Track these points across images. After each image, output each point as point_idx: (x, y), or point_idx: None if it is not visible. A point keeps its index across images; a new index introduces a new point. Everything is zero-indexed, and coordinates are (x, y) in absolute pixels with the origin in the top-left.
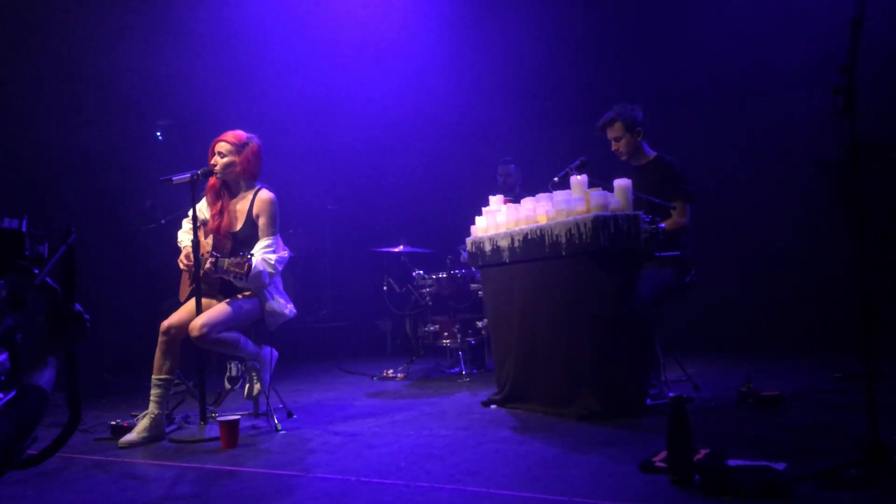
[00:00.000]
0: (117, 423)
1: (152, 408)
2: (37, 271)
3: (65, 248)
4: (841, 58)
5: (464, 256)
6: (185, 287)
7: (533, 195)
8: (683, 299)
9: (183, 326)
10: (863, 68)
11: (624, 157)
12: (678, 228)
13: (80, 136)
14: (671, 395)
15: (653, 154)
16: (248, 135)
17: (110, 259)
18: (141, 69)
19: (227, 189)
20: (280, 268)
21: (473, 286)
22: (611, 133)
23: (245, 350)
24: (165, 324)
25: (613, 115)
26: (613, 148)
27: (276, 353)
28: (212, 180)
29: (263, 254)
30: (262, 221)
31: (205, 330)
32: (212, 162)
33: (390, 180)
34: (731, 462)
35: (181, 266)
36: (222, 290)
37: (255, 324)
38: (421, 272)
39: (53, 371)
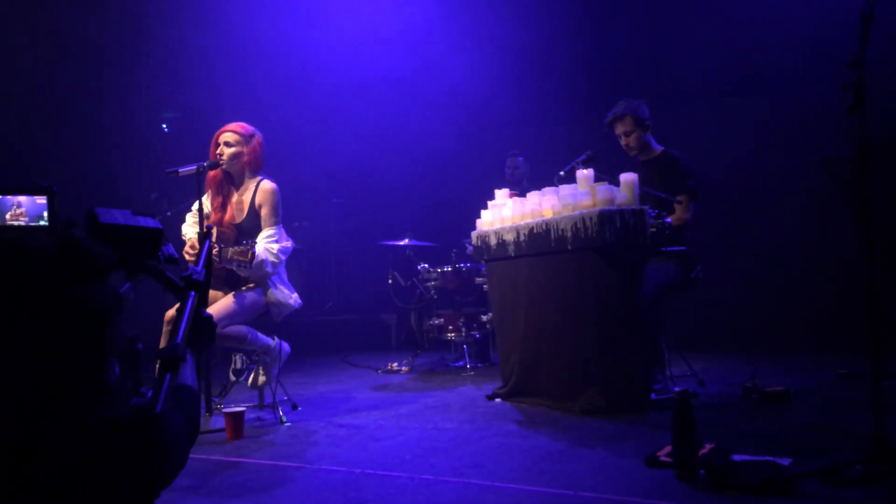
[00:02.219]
0: None
1: None
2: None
3: (208, 245)
4: (849, 54)
5: (469, 250)
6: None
7: (538, 188)
8: (688, 294)
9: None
10: (871, 64)
11: (633, 152)
12: (680, 224)
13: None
14: (676, 390)
15: (660, 149)
16: (253, 127)
17: None
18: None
19: (230, 181)
20: (283, 258)
21: (478, 280)
22: (620, 128)
23: (255, 343)
24: (170, 314)
25: (622, 110)
26: (623, 143)
27: (287, 348)
28: (213, 173)
29: (266, 243)
30: (264, 211)
31: None
32: (217, 152)
33: (396, 174)
34: (736, 457)
35: (186, 258)
36: (227, 282)
37: (261, 316)
38: (426, 266)
39: (193, 367)
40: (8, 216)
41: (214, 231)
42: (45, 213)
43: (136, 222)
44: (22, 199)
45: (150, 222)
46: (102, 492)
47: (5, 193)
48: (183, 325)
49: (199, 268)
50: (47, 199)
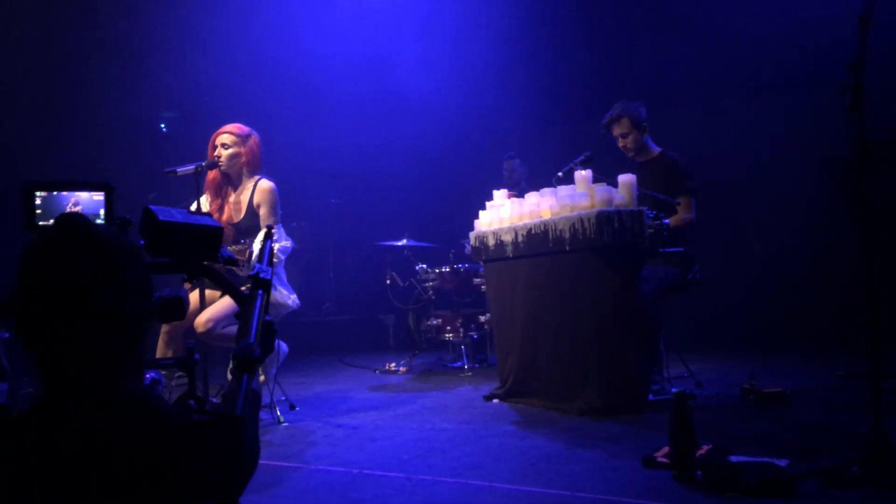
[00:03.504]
0: None
1: None
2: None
3: (270, 245)
4: (849, 54)
5: (467, 249)
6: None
7: (536, 189)
8: (686, 295)
9: (186, 316)
10: (871, 65)
11: (631, 154)
12: (684, 224)
13: (84, 127)
14: (674, 391)
15: (657, 150)
16: (249, 128)
17: None
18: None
19: (228, 182)
20: (282, 257)
21: (476, 281)
22: (617, 129)
23: None
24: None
25: (619, 112)
26: (620, 144)
27: (285, 348)
28: (212, 174)
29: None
30: (262, 211)
31: (210, 325)
32: (215, 154)
33: (394, 174)
34: (734, 458)
35: None
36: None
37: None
38: (424, 266)
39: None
40: None
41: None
42: (102, 211)
43: (194, 221)
44: (82, 195)
45: (208, 221)
46: (186, 493)
47: (63, 189)
48: (254, 324)
49: (265, 266)
50: (105, 196)
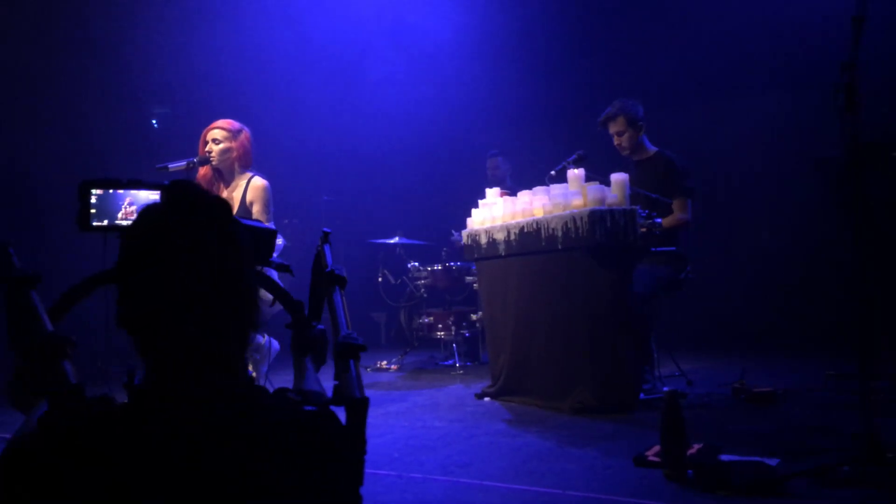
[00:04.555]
0: None
1: None
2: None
3: (328, 248)
4: (843, 55)
5: (455, 237)
6: None
7: (523, 187)
8: (678, 294)
9: None
10: (864, 66)
11: (626, 152)
12: (679, 224)
13: (75, 123)
14: (665, 389)
15: (654, 149)
16: (240, 123)
17: (105, 247)
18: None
19: (220, 178)
20: (274, 255)
21: (469, 279)
22: (613, 128)
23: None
24: None
25: (616, 110)
26: (616, 143)
27: (276, 345)
28: (203, 170)
29: None
30: (255, 208)
31: None
32: (206, 150)
33: (386, 172)
34: (725, 457)
35: None
36: None
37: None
38: (416, 264)
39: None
40: (120, 214)
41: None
42: None
43: (250, 221)
44: (138, 194)
45: (260, 223)
46: (308, 486)
47: (119, 188)
48: (342, 317)
49: (332, 264)
50: (161, 196)
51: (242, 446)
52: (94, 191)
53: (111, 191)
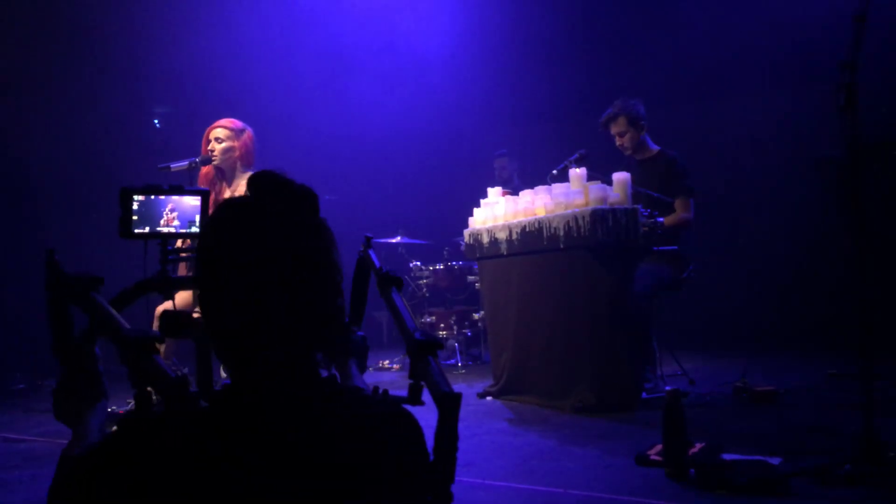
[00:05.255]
0: (112, 409)
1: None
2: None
3: (373, 253)
4: (843, 54)
5: (461, 245)
6: (181, 274)
7: (530, 186)
8: (680, 294)
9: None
10: (864, 65)
11: (628, 152)
12: (682, 223)
13: (77, 123)
14: (667, 389)
15: (656, 148)
16: (243, 123)
17: (105, 246)
18: (140, 56)
19: (222, 177)
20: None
21: (471, 278)
22: (614, 128)
23: None
24: (161, 308)
25: (617, 111)
26: (618, 143)
27: None
28: (205, 169)
29: None
30: None
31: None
32: (209, 148)
33: (388, 171)
34: (727, 456)
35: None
36: None
37: None
38: (418, 263)
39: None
40: (162, 221)
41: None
42: (197, 217)
43: None
44: (179, 200)
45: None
46: (405, 483)
47: (160, 194)
48: (407, 316)
49: (382, 266)
50: (201, 201)
51: (333, 445)
52: (135, 197)
53: (153, 196)
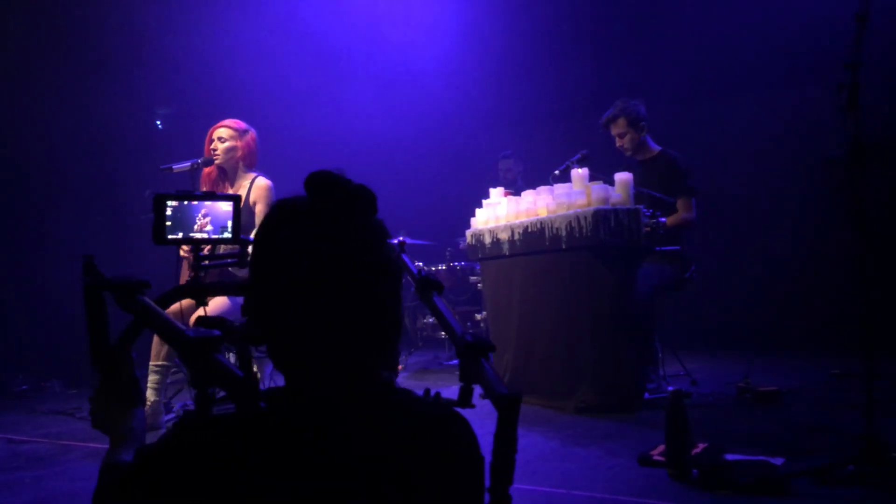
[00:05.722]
0: None
1: (149, 395)
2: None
3: (406, 257)
4: (846, 53)
5: (462, 246)
6: (184, 275)
7: (532, 187)
8: (682, 294)
9: (181, 314)
10: (868, 64)
11: (629, 153)
12: (684, 223)
13: (79, 124)
14: (669, 389)
15: (657, 148)
16: (246, 124)
17: (109, 247)
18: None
19: (224, 177)
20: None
21: (473, 279)
22: (615, 129)
23: None
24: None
25: (616, 112)
26: (618, 144)
27: None
28: (207, 170)
29: None
30: (258, 208)
31: None
32: (212, 148)
33: (390, 171)
34: (729, 457)
35: (181, 254)
36: (220, 278)
37: None
38: (420, 264)
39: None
40: (195, 226)
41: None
42: (230, 223)
43: None
44: (212, 206)
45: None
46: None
47: (193, 200)
48: (451, 318)
49: (419, 269)
50: (233, 207)
51: (390, 448)
52: (169, 203)
53: (185, 202)
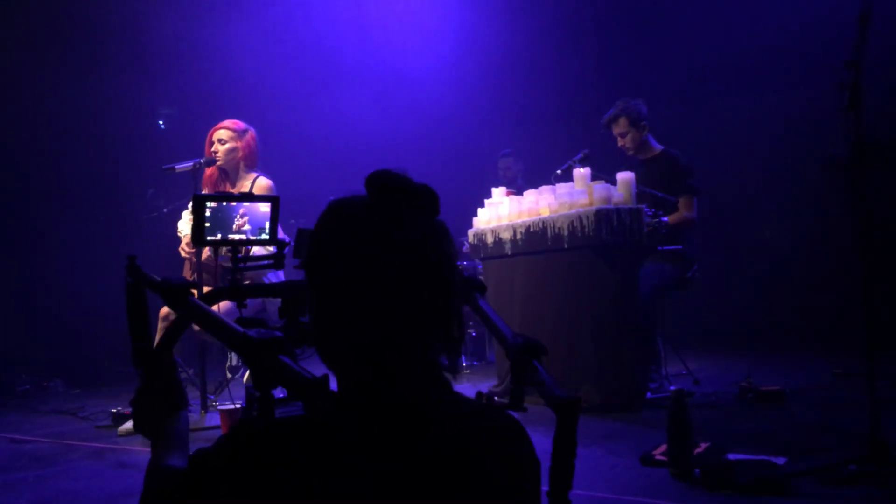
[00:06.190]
0: (118, 410)
1: None
2: None
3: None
4: (847, 53)
5: (465, 248)
6: (186, 275)
7: (534, 186)
8: (685, 293)
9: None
10: (869, 64)
11: (630, 152)
12: (685, 223)
13: (80, 124)
14: (672, 388)
15: (659, 148)
16: (246, 123)
17: (111, 248)
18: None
19: (226, 178)
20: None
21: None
22: (616, 129)
23: None
24: (165, 310)
25: (618, 111)
26: (620, 144)
27: None
28: (209, 170)
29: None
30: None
31: None
32: (212, 150)
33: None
34: (731, 456)
35: (182, 254)
36: (222, 279)
37: (256, 313)
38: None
39: None
40: (234, 226)
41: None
42: (267, 224)
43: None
44: (251, 207)
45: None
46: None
47: (232, 200)
48: (499, 321)
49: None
50: (271, 208)
51: (449, 452)
52: (208, 204)
53: (224, 203)
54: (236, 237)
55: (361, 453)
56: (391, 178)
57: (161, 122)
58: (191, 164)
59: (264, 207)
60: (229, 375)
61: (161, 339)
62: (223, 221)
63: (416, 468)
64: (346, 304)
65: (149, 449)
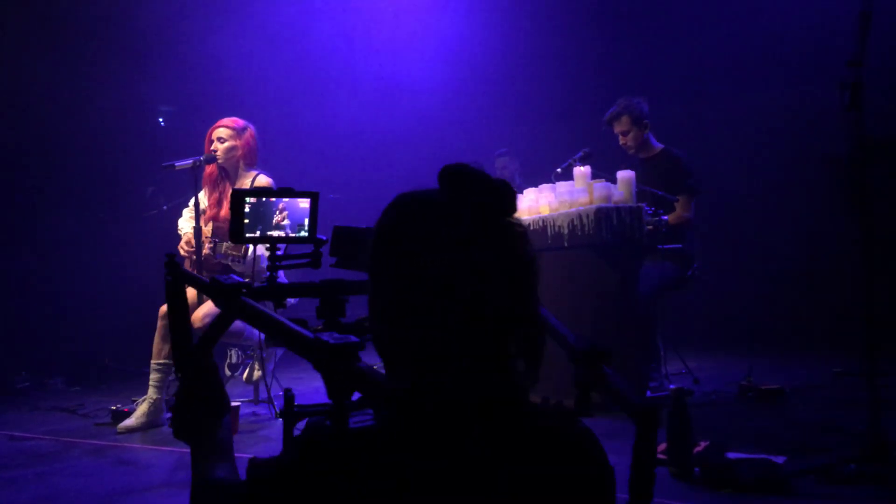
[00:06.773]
0: (117, 408)
1: (151, 393)
2: None
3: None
4: (849, 51)
5: None
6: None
7: (534, 185)
8: (685, 292)
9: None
10: (871, 63)
11: (632, 151)
12: (681, 222)
13: (80, 121)
14: (671, 387)
15: (660, 146)
16: (245, 121)
17: (111, 245)
18: (144, 54)
19: (226, 176)
20: (279, 253)
21: None
22: (618, 127)
23: (251, 339)
24: (164, 308)
25: (619, 110)
26: (621, 142)
27: None
28: (209, 168)
29: None
30: None
31: (207, 320)
32: (212, 148)
33: (392, 169)
34: (731, 455)
35: (182, 252)
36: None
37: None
38: None
39: None
40: (273, 221)
41: (211, 225)
42: (307, 221)
43: None
44: (290, 202)
45: None
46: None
47: (271, 196)
48: (557, 323)
49: None
50: (310, 204)
51: (529, 467)
52: (247, 200)
53: (264, 199)
54: (275, 233)
55: (436, 467)
56: (466, 173)
57: (161, 120)
58: (190, 161)
59: (304, 204)
60: (229, 373)
61: (201, 340)
62: (262, 218)
63: (488, 482)
64: (416, 303)
65: (149, 446)
